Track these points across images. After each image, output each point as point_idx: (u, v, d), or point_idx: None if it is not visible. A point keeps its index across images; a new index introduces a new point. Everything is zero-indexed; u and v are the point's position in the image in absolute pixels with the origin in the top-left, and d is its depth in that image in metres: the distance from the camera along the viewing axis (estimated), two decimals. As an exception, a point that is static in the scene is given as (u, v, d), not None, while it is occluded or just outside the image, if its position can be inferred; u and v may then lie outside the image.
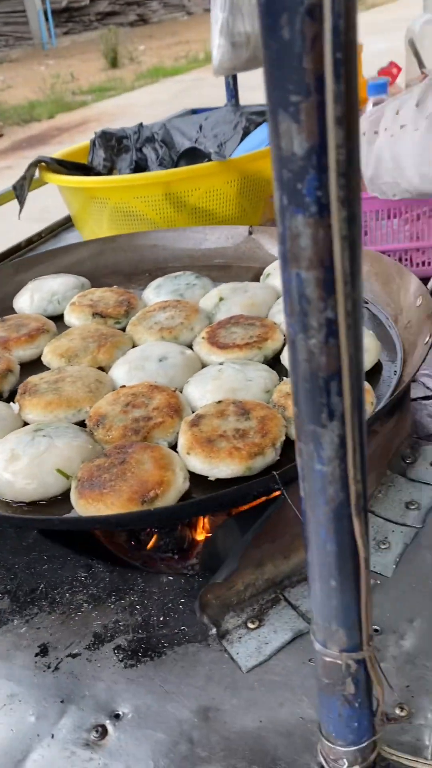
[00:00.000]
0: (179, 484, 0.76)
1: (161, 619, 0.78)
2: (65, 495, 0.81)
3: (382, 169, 1.10)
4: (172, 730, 0.66)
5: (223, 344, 1.00)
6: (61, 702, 0.70)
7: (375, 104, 1.83)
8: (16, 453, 0.81)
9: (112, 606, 0.80)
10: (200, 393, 0.90)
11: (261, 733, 0.65)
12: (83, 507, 0.74)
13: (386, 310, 1.06)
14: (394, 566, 0.80)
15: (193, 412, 0.88)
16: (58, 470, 0.79)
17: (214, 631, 0.75)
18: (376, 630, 0.73)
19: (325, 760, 0.59)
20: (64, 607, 0.80)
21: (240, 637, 0.74)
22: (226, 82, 2.40)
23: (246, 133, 2.03)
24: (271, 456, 0.78)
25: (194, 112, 2.97)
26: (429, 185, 1.02)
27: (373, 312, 1.07)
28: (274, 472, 0.69)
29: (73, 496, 0.77)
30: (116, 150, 2.16)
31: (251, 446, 0.77)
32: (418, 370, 0.83)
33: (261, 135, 1.86)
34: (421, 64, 2.09)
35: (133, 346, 1.06)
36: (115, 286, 1.23)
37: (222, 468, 0.77)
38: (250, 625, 0.75)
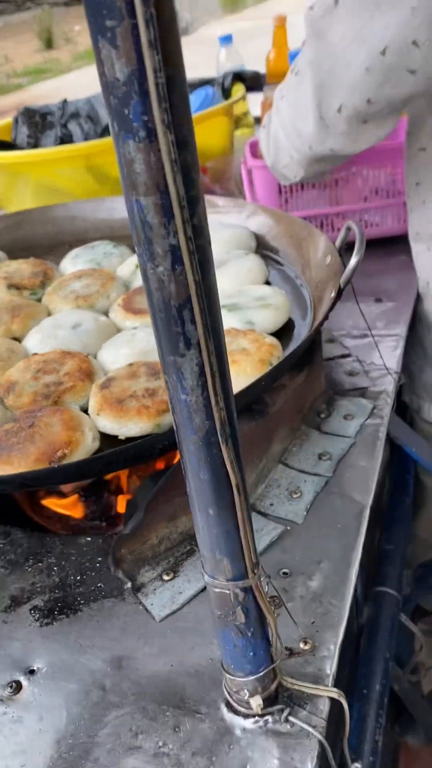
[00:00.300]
0: (88, 444, 0.77)
1: (78, 578, 0.79)
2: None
3: (280, 153, 1.12)
4: (84, 681, 0.67)
5: (138, 309, 1.01)
6: (-24, 663, 0.70)
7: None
8: None
9: (29, 569, 0.81)
10: (113, 357, 0.91)
11: (171, 676, 0.66)
12: (-10, 471, 0.74)
13: (297, 270, 1.08)
14: (305, 513, 0.83)
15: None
16: (-33, 437, 0.79)
17: (129, 585, 0.76)
18: (285, 573, 0.75)
19: (228, 693, 0.61)
20: (-19, 573, 0.81)
21: (155, 589, 0.76)
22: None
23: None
24: (179, 412, 0.80)
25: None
26: (309, 143, 1.04)
27: (286, 272, 1.09)
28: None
29: (-19, 461, 0.77)
30: (40, 126, 2.13)
31: (159, 404, 0.78)
32: (321, 323, 0.85)
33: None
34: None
35: (49, 316, 1.06)
36: (31, 258, 1.22)
37: (131, 426, 0.78)
38: (165, 577, 0.77)
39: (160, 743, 0.61)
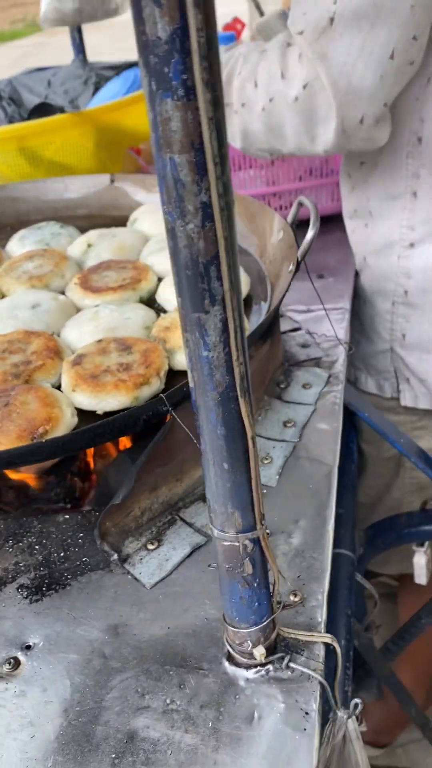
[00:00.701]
0: (68, 419, 0.77)
1: (62, 554, 0.79)
2: None
3: (257, 142, 1.12)
4: (83, 650, 0.68)
5: (97, 288, 1.00)
6: (-32, 644, 0.70)
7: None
8: None
9: (10, 550, 0.80)
10: (78, 335, 0.90)
11: (169, 638, 0.68)
12: (-31, 451, 0.73)
13: (252, 247, 1.10)
14: (277, 477, 0.86)
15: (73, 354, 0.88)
16: None
17: (115, 556, 0.77)
18: (267, 534, 0.78)
19: (231, 646, 0.64)
20: (-41, 557, 0.79)
21: (141, 559, 0.77)
22: (72, 36, 2.33)
23: (97, 88, 2.00)
24: (156, 385, 0.81)
25: (40, 70, 2.87)
26: (324, 146, 1.05)
27: (242, 247, 1.12)
28: (162, 395, 0.72)
29: (-43, 443, 0.75)
30: (-40, 109, 2.06)
31: (136, 377, 0.79)
32: (284, 295, 0.88)
33: (114, 88, 1.85)
34: (260, 12, 2.14)
35: (2, 298, 1.04)
36: (-24, 242, 1.19)
37: (109, 400, 0.79)
38: (150, 547, 0.78)
39: (168, 701, 0.63)
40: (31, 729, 0.62)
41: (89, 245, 1.12)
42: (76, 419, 0.78)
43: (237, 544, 0.55)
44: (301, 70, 0.98)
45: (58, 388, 0.84)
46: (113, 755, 0.59)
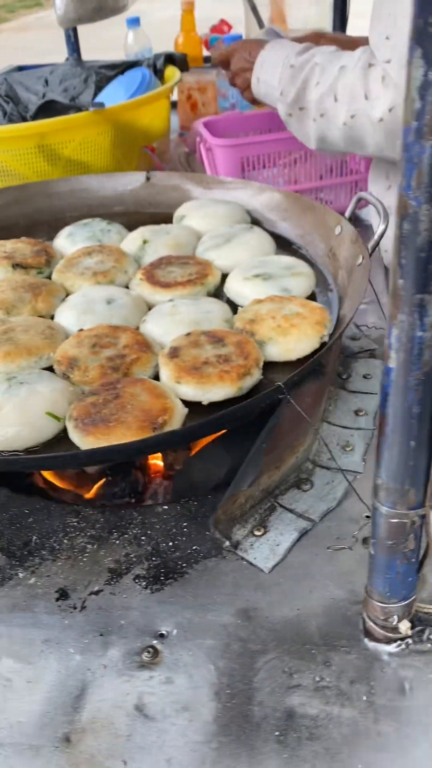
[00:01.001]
0: (180, 409, 0.78)
1: (170, 544, 0.80)
2: (57, 438, 0.79)
3: (335, 146, 1.16)
4: (219, 635, 0.69)
5: (166, 282, 1.01)
6: (101, 635, 0.70)
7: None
8: (-3, 402, 0.77)
9: (117, 542, 0.80)
10: (162, 329, 0.91)
11: (301, 619, 0.70)
12: (92, 443, 0.73)
13: (312, 242, 1.13)
14: (363, 462, 0.89)
15: (161, 348, 0.89)
16: (48, 413, 0.77)
17: (227, 543, 0.78)
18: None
19: (374, 623, 0.66)
20: (68, 552, 0.79)
21: (251, 545, 0.78)
22: (67, 35, 2.32)
23: (98, 86, 1.99)
24: (256, 376, 0.83)
25: (20, 68, 2.83)
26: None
27: (298, 243, 1.14)
28: (280, 384, 0.74)
29: (76, 435, 0.75)
30: None
31: (238, 368, 0.81)
32: (365, 288, 0.91)
33: (120, 87, 1.84)
34: (260, 24, 2.17)
35: (66, 294, 1.04)
36: (23, 237, 1.17)
37: (215, 391, 0.80)
38: (257, 533, 0.80)
39: (317, 678, 0.64)
40: (187, 713, 0.63)
41: (145, 241, 1.12)
42: (186, 409, 0.79)
43: (406, 520, 0.57)
44: (386, 93, 1.03)
45: (155, 380, 0.84)
46: (276, 733, 0.61)
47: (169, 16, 2.67)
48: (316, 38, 1.48)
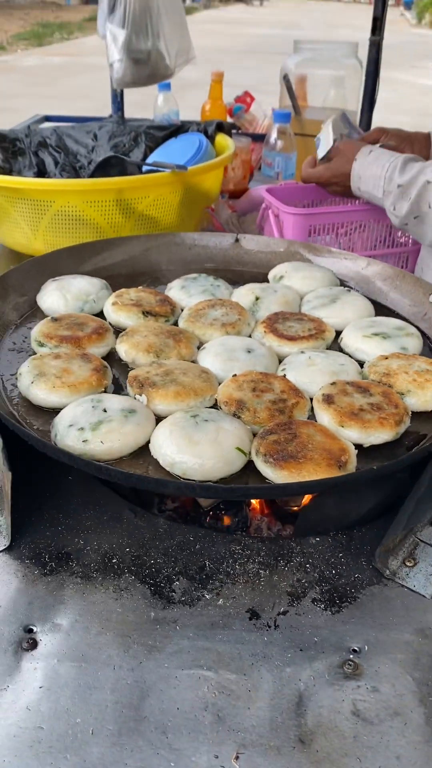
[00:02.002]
0: (353, 450, 0.88)
1: (333, 572, 0.88)
2: (242, 471, 0.87)
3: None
4: (407, 650, 0.78)
5: (290, 336, 1.12)
6: (301, 650, 0.78)
7: (279, 132, 2.06)
8: (193, 438, 0.85)
9: (286, 569, 0.88)
10: (308, 378, 1.01)
11: (472, 638, 0.80)
12: (286, 477, 0.82)
13: (405, 309, 1.27)
14: None
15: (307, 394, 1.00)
16: (238, 448, 0.86)
17: (387, 572, 0.88)
18: None
19: None
20: (244, 576, 0.87)
21: (407, 574, 0.88)
22: (113, 95, 2.46)
23: (148, 146, 2.12)
24: (407, 423, 0.94)
25: (47, 119, 2.95)
26: None
27: (389, 307, 1.28)
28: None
29: (268, 469, 0.84)
30: (11, 152, 2.10)
31: (394, 415, 0.92)
32: None
33: (177, 149, 1.97)
34: (295, 109, 2.37)
35: (199, 341, 1.13)
36: (140, 287, 1.27)
37: (377, 435, 0.90)
38: (408, 564, 0.90)
39: None
40: (400, 717, 0.71)
41: (257, 298, 1.24)
42: (356, 450, 0.89)
43: None
44: None
45: (313, 423, 0.94)
46: None
47: (196, 77, 2.84)
48: (379, 133, 1.67)
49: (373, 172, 1.44)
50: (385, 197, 1.41)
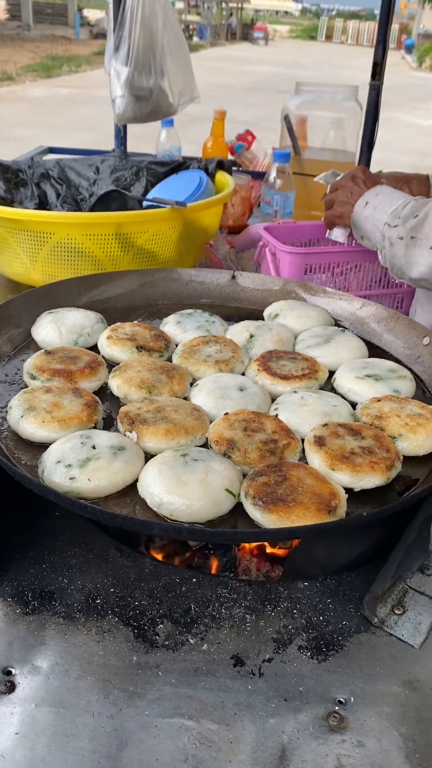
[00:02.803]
0: (343, 494, 0.87)
1: (320, 618, 0.87)
2: (231, 512, 0.86)
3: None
4: (394, 703, 0.76)
5: (284, 375, 1.12)
6: (285, 701, 0.76)
7: (279, 171, 2.09)
8: (182, 478, 0.84)
9: (272, 614, 0.87)
10: (300, 418, 1.01)
11: (461, 690, 0.78)
12: (275, 521, 0.81)
13: (398, 350, 1.27)
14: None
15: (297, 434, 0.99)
16: (227, 489, 0.85)
17: (375, 620, 0.86)
18: None
19: None
20: (229, 621, 0.85)
21: (395, 622, 0.87)
22: (116, 130, 2.49)
23: (149, 182, 2.15)
24: (398, 467, 0.93)
25: (51, 150, 2.99)
26: None
27: (385, 350, 1.28)
28: (440, 477, 0.85)
29: (257, 512, 0.83)
30: (13, 182, 2.13)
31: (385, 460, 0.91)
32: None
33: (178, 185, 1.99)
34: (295, 149, 2.41)
35: (191, 378, 1.13)
36: (136, 321, 1.27)
37: (367, 479, 0.90)
38: (397, 612, 0.88)
39: None
40: (384, 774, 0.69)
41: (252, 335, 1.24)
42: (346, 495, 0.88)
43: None
44: None
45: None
46: (471, 794, 0.68)
47: (200, 112, 2.88)
48: (379, 174, 1.70)
49: (392, 192, 1.43)
50: (395, 211, 1.38)
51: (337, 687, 0.78)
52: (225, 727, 0.73)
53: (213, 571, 1.00)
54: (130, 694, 0.75)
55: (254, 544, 1.05)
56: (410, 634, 0.85)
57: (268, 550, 1.04)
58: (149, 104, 2.16)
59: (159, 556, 0.98)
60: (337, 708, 0.75)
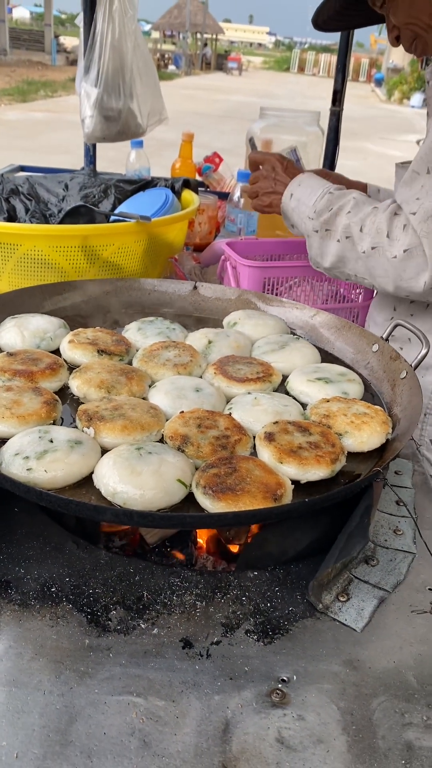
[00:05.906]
0: (289, 485, 0.91)
1: (268, 605, 0.91)
2: (182, 502, 0.90)
3: (347, 268, 1.38)
4: (334, 681, 0.80)
5: (239, 378, 1.17)
6: (230, 679, 0.79)
7: (243, 190, 2.16)
8: (135, 469, 0.88)
9: (222, 601, 0.90)
10: (253, 417, 1.06)
11: (399, 670, 0.82)
12: (223, 507, 0.85)
13: (342, 354, 1.33)
14: (414, 544, 1.04)
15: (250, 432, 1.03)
16: (179, 480, 0.89)
17: (320, 606, 0.90)
18: None
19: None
20: (181, 607, 0.88)
21: (340, 608, 0.91)
22: (86, 148, 2.55)
23: (117, 198, 2.20)
24: (342, 461, 0.98)
25: (22, 168, 3.04)
26: (404, 292, 1.33)
27: (336, 356, 1.34)
28: (379, 468, 0.90)
29: (207, 500, 0.87)
30: (-18, 198, 2.16)
31: (330, 454, 0.96)
32: (422, 404, 1.10)
33: (144, 202, 2.05)
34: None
35: (150, 380, 1.17)
36: (97, 327, 1.31)
37: (313, 472, 0.94)
38: (341, 599, 0.92)
39: (424, 717, 0.76)
40: (323, 745, 0.73)
41: (210, 341, 1.29)
42: (292, 485, 0.93)
43: None
44: (405, 237, 1.28)
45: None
46: (403, 761, 0.72)
47: (172, 138, 2.95)
48: (324, 174, 1.77)
49: (315, 182, 1.50)
50: (313, 204, 1.45)
51: (281, 667, 0.81)
52: (172, 703, 0.76)
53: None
54: (81, 674, 0.78)
55: (211, 541, 1.09)
56: (353, 618, 0.89)
57: (224, 546, 1.08)
58: (118, 124, 2.23)
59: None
60: (280, 686, 0.79)
